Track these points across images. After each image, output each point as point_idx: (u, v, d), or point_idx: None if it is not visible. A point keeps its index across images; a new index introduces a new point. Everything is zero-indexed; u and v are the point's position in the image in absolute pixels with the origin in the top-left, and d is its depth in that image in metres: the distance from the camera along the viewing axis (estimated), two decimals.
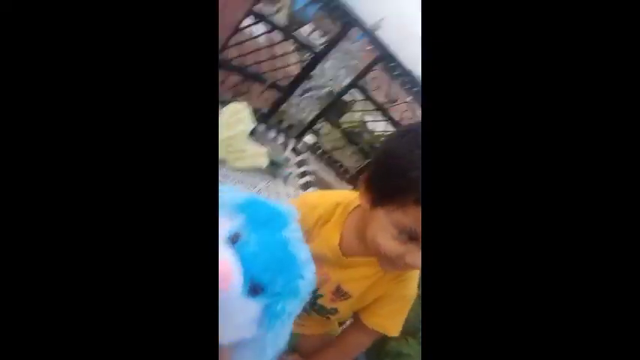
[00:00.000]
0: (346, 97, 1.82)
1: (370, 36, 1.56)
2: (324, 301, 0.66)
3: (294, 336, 0.71)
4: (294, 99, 1.93)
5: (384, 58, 1.64)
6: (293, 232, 0.42)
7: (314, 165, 1.72)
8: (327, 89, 2.11)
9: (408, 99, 1.70)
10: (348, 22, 1.50)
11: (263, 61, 1.67)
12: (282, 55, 1.78)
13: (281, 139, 1.53)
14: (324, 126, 1.83)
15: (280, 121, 1.68)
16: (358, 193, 0.60)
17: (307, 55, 1.74)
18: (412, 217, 0.51)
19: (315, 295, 0.65)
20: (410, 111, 1.69)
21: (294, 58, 1.91)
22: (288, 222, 0.42)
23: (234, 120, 1.13)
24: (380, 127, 1.78)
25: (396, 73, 1.66)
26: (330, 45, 1.59)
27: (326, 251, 0.63)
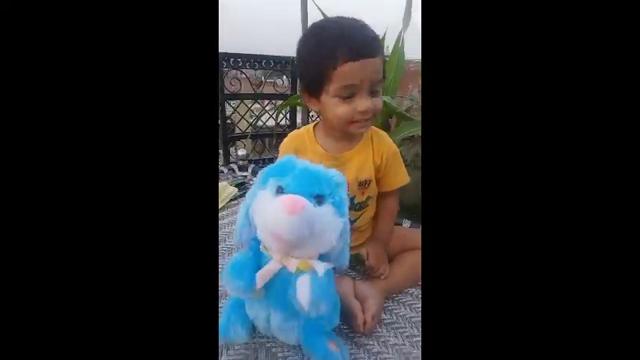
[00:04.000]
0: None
1: None
2: (359, 199, 0.81)
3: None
4: None
5: None
6: (304, 163, 0.57)
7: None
8: None
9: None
10: None
11: None
12: None
13: (225, 170, 1.63)
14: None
15: None
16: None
17: None
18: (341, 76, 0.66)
19: (353, 201, 0.80)
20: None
21: None
22: (294, 161, 0.57)
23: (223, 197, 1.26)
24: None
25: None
26: None
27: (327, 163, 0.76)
